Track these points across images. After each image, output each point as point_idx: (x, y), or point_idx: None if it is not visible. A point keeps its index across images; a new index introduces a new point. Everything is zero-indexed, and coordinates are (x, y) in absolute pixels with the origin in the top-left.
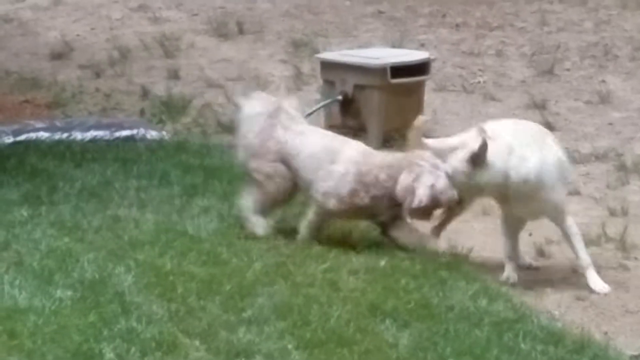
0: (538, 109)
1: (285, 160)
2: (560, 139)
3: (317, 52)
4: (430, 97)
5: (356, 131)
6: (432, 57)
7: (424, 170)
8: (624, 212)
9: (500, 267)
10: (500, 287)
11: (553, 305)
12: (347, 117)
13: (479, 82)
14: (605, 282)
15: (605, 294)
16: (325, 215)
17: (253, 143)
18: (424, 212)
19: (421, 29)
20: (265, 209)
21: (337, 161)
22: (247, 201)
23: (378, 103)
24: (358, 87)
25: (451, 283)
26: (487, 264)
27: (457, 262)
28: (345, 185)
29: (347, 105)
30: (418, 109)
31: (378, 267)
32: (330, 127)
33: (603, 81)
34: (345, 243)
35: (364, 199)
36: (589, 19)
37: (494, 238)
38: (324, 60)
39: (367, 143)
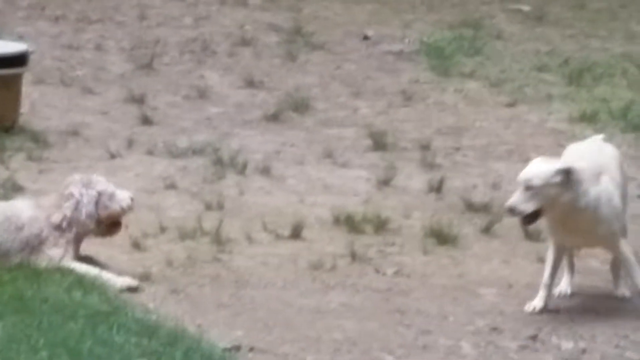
0: (136, 102)
1: None
2: (158, 134)
3: None
4: (28, 90)
5: None
6: (30, 49)
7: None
8: (220, 206)
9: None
10: (95, 280)
11: (148, 298)
12: None
13: (78, 75)
14: (200, 275)
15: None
16: None
17: None
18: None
19: (20, 21)
20: None
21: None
22: None
23: None
24: None
25: (46, 276)
26: (83, 256)
27: None
28: None
29: None
30: (16, 101)
31: None
32: None
33: (201, 76)
34: None
35: None
36: (188, 14)
37: None
38: None
39: None
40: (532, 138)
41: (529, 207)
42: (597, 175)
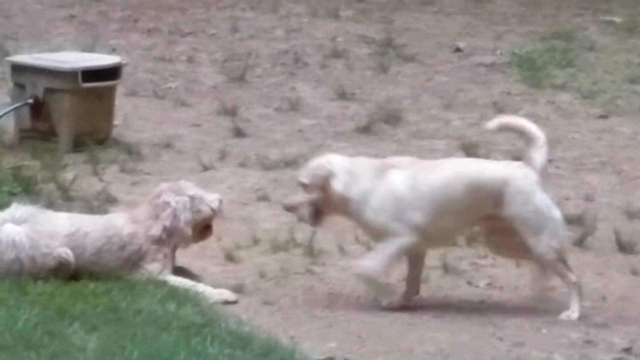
0: (229, 115)
1: None
2: (251, 146)
3: (8, 55)
4: (121, 102)
5: (46, 135)
6: (123, 62)
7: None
8: None
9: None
10: (188, 292)
11: (241, 310)
12: (37, 120)
13: (171, 87)
14: (293, 287)
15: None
16: None
17: None
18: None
19: (113, 34)
20: None
21: None
22: None
23: (69, 107)
24: (49, 91)
25: (140, 287)
26: (178, 268)
27: None
28: None
29: (38, 109)
30: (109, 113)
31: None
32: (21, 130)
33: (293, 88)
34: None
35: None
36: (280, 26)
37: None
38: (15, 63)
39: (58, 147)
40: (624, 150)
41: (298, 202)
42: (383, 170)
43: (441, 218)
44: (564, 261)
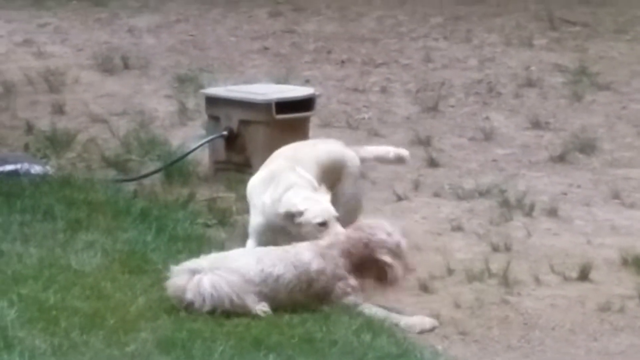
0: (422, 145)
1: None
2: (444, 176)
3: (202, 87)
4: (315, 133)
5: (241, 167)
6: (317, 93)
7: None
8: (507, 248)
9: None
10: (384, 322)
11: (436, 340)
12: (232, 152)
13: (364, 118)
14: (488, 317)
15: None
16: None
17: None
18: None
19: (306, 65)
20: None
21: None
22: None
23: (263, 138)
24: (243, 123)
25: (335, 318)
26: (370, 298)
27: None
28: None
29: (232, 141)
30: None
31: None
32: (215, 162)
33: (487, 118)
34: None
35: None
36: (473, 56)
37: None
38: (209, 95)
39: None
40: None
41: None
42: None
43: None
44: None
